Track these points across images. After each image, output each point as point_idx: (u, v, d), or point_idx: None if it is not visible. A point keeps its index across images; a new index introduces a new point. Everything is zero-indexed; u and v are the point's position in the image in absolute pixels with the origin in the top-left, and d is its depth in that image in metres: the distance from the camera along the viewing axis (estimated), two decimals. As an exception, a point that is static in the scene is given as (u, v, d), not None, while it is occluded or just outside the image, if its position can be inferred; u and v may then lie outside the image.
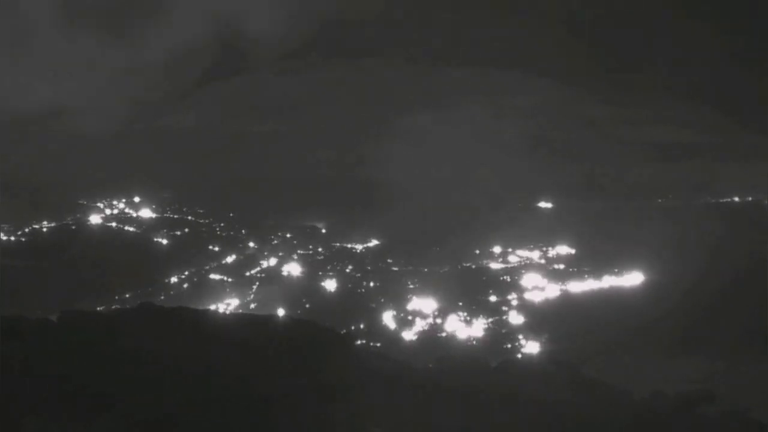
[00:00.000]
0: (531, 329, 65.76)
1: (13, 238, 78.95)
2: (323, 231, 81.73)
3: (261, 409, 26.86)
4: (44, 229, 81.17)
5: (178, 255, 76.58)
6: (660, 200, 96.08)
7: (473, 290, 70.24)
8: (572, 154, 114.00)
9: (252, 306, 69.03)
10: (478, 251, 76.94)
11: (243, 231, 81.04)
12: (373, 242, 78.77)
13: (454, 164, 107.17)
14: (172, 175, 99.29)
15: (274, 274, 74.24)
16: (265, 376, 28.30)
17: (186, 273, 73.53)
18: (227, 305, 69.16)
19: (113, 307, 57.79)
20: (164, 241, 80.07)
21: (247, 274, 74.13)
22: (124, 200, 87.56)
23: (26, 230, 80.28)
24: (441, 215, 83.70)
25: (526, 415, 29.32)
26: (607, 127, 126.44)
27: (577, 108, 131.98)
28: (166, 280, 72.34)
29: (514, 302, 69.57)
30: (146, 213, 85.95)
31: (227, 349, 29.32)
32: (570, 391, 31.53)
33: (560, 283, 72.73)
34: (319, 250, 77.72)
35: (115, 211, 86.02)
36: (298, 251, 77.02)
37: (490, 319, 66.90)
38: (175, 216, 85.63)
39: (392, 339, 64.22)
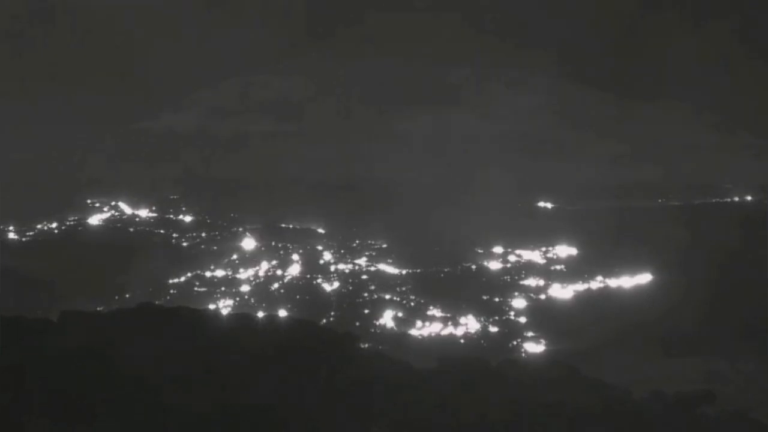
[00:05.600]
0: (531, 329, 65.80)
1: (14, 238, 78.99)
2: (323, 231, 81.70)
3: (262, 410, 26.89)
4: (45, 229, 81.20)
5: (178, 255, 76.59)
6: (660, 200, 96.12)
7: (473, 290, 70.24)
8: (572, 154, 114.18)
9: (252, 306, 69.02)
10: (478, 251, 76.96)
11: (243, 231, 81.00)
12: (373, 242, 78.75)
13: (453, 164, 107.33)
14: (172, 175, 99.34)
15: (274, 274, 74.23)
16: (265, 377, 28.33)
17: (186, 273, 73.51)
18: (227, 306, 69.17)
19: (113, 307, 57.69)
20: (164, 241, 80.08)
21: (248, 274, 74.12)
22: (124, 200, 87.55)
23: (27, 230, 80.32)
24: (441, 215, 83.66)
25: (526, 415, 29.36)
26: (607, 127, 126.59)
27: (577, 108, 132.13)
28: (166, 280, 72.31)
29: (515, 302, 69.58)
30: (146, 213, 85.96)
31: (227, 350, 29.34)
32: (570, 391, 31.52)
33: (560, 283, 72.74)
34: (319, 250, 77.69)
35: (116, 211, 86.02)
36: (299, 251, 77.00)
37: (491, 319, 66.93)
38: (176, 216, 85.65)
39: (392, 339, 64.22)
